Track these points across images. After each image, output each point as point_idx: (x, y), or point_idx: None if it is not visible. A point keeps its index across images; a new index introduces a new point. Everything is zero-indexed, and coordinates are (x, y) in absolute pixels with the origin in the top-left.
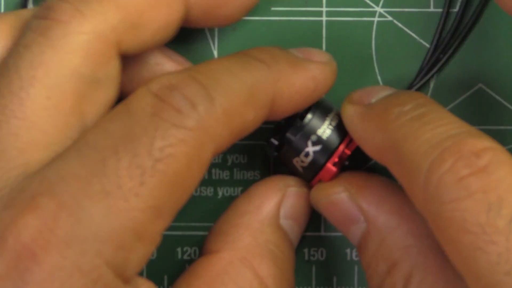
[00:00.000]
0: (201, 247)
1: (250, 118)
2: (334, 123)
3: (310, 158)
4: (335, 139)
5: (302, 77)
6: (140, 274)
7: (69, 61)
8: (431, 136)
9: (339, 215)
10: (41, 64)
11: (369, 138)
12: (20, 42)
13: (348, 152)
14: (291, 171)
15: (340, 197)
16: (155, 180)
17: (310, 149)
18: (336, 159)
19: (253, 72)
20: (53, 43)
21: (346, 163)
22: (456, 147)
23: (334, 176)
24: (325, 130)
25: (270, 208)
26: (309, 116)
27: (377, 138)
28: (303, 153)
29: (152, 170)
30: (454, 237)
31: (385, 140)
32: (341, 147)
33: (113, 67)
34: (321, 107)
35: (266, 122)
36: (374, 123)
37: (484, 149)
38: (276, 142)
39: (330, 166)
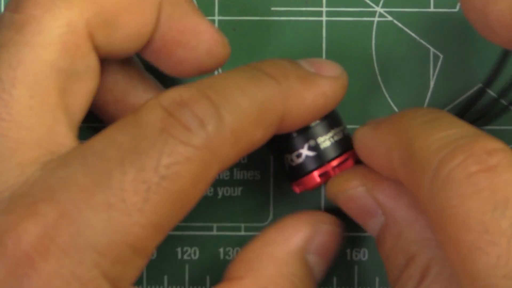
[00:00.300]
0: (224, 272)
1: (258, 137)
2: (336, 138)
3: (300, 160)
4: (331, 153)
5: (313, 94)
6: (141, 274)
7: (46, 56)
8: (444, 136)
9: (357, 209)
10: (19, 64)
11: (379, 144)
12: None
13: (337, 171)
14: (276, 163)
15: (358, 192)
16: (159, 197)
17: (305, 152)
18: (324, 171)
19: (263, 89)
20: (28, 40)
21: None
22: (468, 145)
23: (315, 187)
24: (326, 140)
25: (298, 241)
26: (317, 121)
27: (388, 140)
28: (296, 153)
29: (157, 187)
30: (456, 235)
31: (395, 141)
32: (333, 163)
33: (91, 59)
34: (331, 118)
35: None
36: (386, 127)
37: (495, 149)
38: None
39: (316, 176)
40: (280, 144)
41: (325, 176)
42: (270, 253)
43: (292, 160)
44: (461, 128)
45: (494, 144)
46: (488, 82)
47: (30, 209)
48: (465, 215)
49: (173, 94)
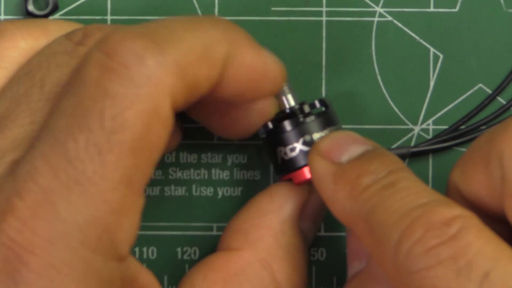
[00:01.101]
0: (218, 242)
1: (203, 73)
2: None
3: (294, 154)
4: None
5: (255, 54)
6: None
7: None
8: (400, 206)
9: (354, 244)
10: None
11: (339, 203)
12: (52, 61)
13: None
14: (268, 157)
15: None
16: (115, 154)
17: (299, 146)
18: None
19: (208, 30)
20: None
21: None
22: (425, 217)
23: (304, 183)
24: (321, 137)
25: (291, 208)
26: (312, 117)
27: (348, 206)
28: (290, 146)
29: (108, 145)
30: None
31: (355, 209)
32: None
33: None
34: (328, 116)
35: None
36: (346, 190)
37: (453, 218)
38: (271, 126)
39: (307, 171)
40: (275, 137)
41: None
42: (266, 224)
43: (285, 154)
44: (418, 194)
45: (451, 211)
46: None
47: (7, 205)
48: (431, 285)
49: (111, 36)
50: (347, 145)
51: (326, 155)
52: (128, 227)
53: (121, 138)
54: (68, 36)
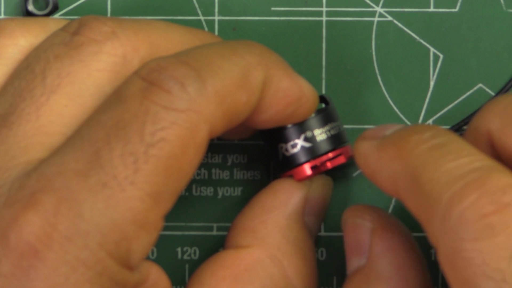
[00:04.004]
0: (225, 241)
1: (242, 100)
2: (332, 132)
3: (295, 150)
4: (325, 146)
5: (291, 80)
6: None
7: (96, 78)
8: (453, 167)
9: (352, 240)
10: (68, 75)
11: (384, 168)
12: (50, 52)
13: (329, 165)
14: (270, 154)
15: (364, 225)
16: (150, 166)
17: (300, 142)
18: (316, 165)
19: (244, 56)
20: (84, 58)
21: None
22: (480, 180)
23: (305, 179)
24: (322, 133)
25: (296, 203)
26: (313, 114)
27: (393, 166)
28: (291, 143)
29: (145, 156)
30: (470, 280)
31: (401, 169)
32: (327, 156)
33: None
34: (328, 112)
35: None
36: (391, 151)
37: (509, 185)
38: None
39: (307, 168)
40: (276, 133)
41: (316, 169)
42: (273, 220)
43: (286, 150)
44: (471, 157)
45: (507, 179)
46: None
47: (29, 200)
48: (480, 260)
49: (151, 64)
50: (390, 126)
51: (370, 136)
52: (145, 241)
53: (158, 153)
54: (64, 27)
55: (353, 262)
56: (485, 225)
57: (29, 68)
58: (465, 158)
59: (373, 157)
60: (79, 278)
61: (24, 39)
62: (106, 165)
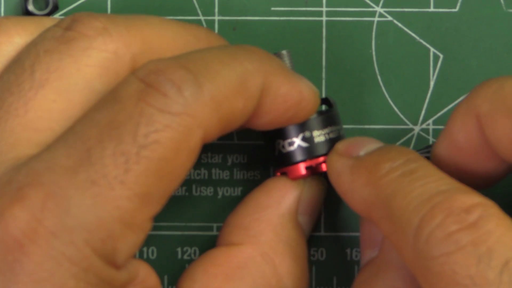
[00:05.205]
0: (218, 238)
1: (239, 106)
2: (331, 136)
3: (292, 148)
4: (323, 149)
5: (290, 85)
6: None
7: (86, 73)
8: (421, 192)
9: (367, 233)
10: (57, 69)
11: (356, 192)
12: (40, 47)
13: (324, 168)
14: (265, 149)
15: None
16: (141, 167)
17: (298, 141)
18: (311, 165)
19: (243, 62)
20: (74, 53)
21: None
22: (446, 203)
23: (298, 179)
24: (320, 135)
25: (290, 202)
26: (315, 114)
27: (366, 192)
28: (289, 140)
29: (136, 157)
30: None
31: (373, 196)
32: (323, 159)
33: None
34: (330, 116)
35: None
36: (364, 177)
37: (473, 205)
38: None
39: (302, 167)
40: (273, 131)
41: (310, 170)
42: (266, 218)
43: (283, 147)
44: (438, 181)
45: (471, 199)
46: None
47: (16, 194)
48: (451, 271)
49: (149, 65)
50: (364, 143)
51: (344, 153)
52: (131, 241)
53: (150, 155)
54: (57, 23)
55: (366, 254)
56: (452, 241)
57: (18, 62)
58: (432, 183)
59: (346, 177)
60: (64, 274)
61: (19, 37)
62: (96, 163)
